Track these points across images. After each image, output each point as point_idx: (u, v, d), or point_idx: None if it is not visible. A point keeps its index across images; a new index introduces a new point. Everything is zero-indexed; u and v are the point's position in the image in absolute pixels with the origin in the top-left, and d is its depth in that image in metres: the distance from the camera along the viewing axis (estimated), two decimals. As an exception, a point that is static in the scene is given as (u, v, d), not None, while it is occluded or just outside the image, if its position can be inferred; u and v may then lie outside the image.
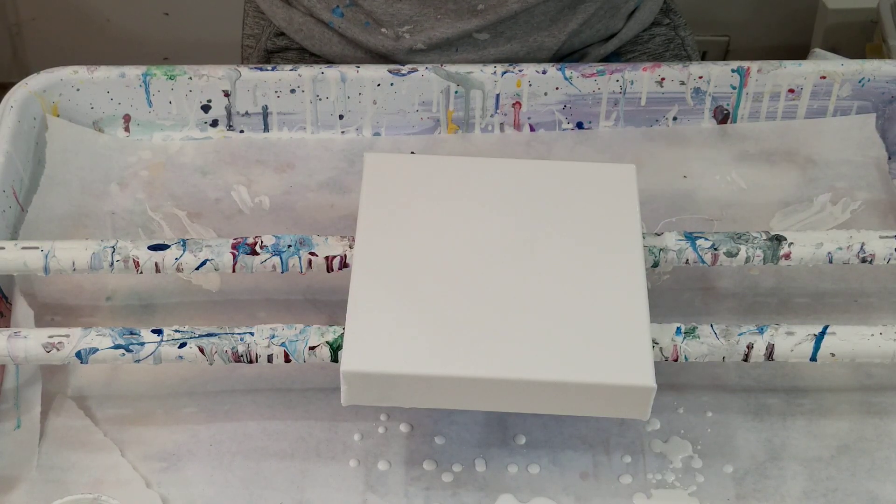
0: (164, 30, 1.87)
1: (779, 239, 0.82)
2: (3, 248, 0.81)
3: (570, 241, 0.78)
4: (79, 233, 0.90)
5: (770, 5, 1.85)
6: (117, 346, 0.76)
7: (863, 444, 0.80)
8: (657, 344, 0.77)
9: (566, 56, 1.08)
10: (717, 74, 0.96)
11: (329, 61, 1.08)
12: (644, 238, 0.81)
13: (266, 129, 0.97)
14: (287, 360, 0.77)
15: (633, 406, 0.73)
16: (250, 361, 0.77)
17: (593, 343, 0.73)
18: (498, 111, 0.97)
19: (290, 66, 0.95)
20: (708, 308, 0.87)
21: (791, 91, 0.97)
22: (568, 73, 0.95)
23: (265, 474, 0.78)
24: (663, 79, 0.96)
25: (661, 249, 0.81)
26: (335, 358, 0.77)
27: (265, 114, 0.96)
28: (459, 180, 0.82)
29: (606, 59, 1.11)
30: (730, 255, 0.82)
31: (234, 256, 0.81)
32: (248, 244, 0.81)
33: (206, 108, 0.96)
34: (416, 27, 1.01)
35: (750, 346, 0.77)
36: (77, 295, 0.87)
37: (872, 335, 0.78)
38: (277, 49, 1.11)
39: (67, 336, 0.77)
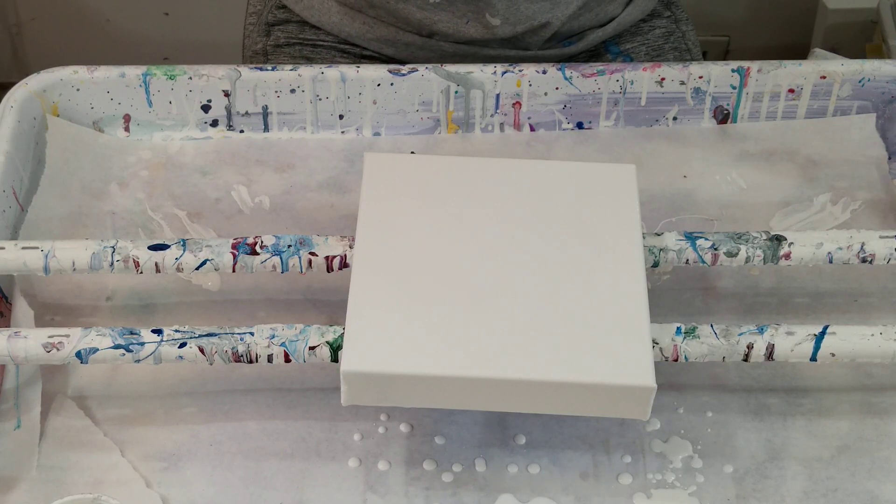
0: (164, 30, 1.87)
1: (779, 239, 0.82)
2: (3, 248, 0.81)
3: (571, 241, 0.78)
4: (79, 233, 0.90)
5: (770, 5, 1.85)
6: (117, 346, 0.76)
7: (863, 444, 0.80)
8: (657, 344, 0.77)
9: (566, 38, 1.08)
10: (717, 74, 0.96)
11: (328, 32, 1.09)
12: (644, 238, 0.81)
13: (266, 129, 0.97)
14: (287, 360, 0.77)
15: (633, 406, 0.73)
16: (250, 361, 0.77)
17: (593, 343, 0.73)
18: (498, 111, 0.97)
19: (290, 66, 0.95)
20: (708, 308, 0.87)
21: (791, 91, 0.97)
22: (568, 73, 0.95)
23: (265, 474, 0.78)
24: (663, 78, 0.96)
25: (661, 249, 0.82)
26: (335, 358, 0.77)
27: (265, 114, 0.96)
28: (459, 180, 0.82)
29: (605, 43, 1.11)
30: (730, 255, 0.82)
31: (234, 256, 0.81)
32: (248, 244, 0.81)
33: (206, 108, 0.96)
34: None
35: (750, 346, 0.77)
36: (77, 295, 0.87)
37: (872, 335, 0.78)
38: (278, 22, 1.12)
39: (67, 336, 0.77)
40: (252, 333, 0.77)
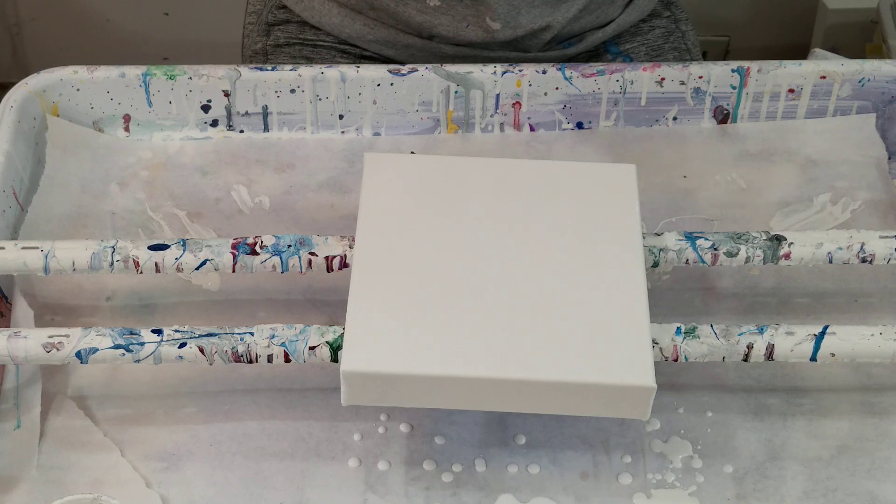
0: (164, 30, 1.87)
1: (779, 239, 0.82)
2: (3, 248, 0.81)
3: (571, 241, 0.78)
4: (79, 233, 0.90)
5: (770, 5, 1.86)
6: (117, 346, 0.76)
7: (863, 444, 0.80)
8: (657, 344, 0.77)
9: (565, 40, 1.08)
10: (717, 74, 0.96)
11: (328, 33, 1.09)
12: (644, 238, 0.81)
13: (266, 129, 0.97)
14: (287, 360, 0.77)
15: (633, 406, 0.73)
16: (250, 361, 0.77)
17: (593, 343, 0.73)
18: (498, 111, 0.97)
19: (290, 66, 0.95)
20: (708, 308, 0.87)
21: (791, 91, 0.97)
22: (568, 73, 0.95)
23: (265, 474, 0.78)
24: (663, 79, 0.96)
25: (661, 249, 0.82)
26: (335, 358, 0.77)
27: (265, 114, 0.96)
28: (459, 180, 0.82)
29: (605, 43, 1.11)
30: (730, 255, 0.82)
31: (234, 256, 0.81)
32: (248, 244, 0.81)
33: (206, 108, 0.96)
34: None
35: (750, 346, 0.77)
36: (77, 295, 0.87)
37: (872, 335, 0.78)
38: (278, 22, 1.12)
39: (67, 336, 0.77)
40: (252, 333, 0.77)
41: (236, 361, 0.77)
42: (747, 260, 0.82)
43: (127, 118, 0.96)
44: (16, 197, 0.89)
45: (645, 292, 0.76)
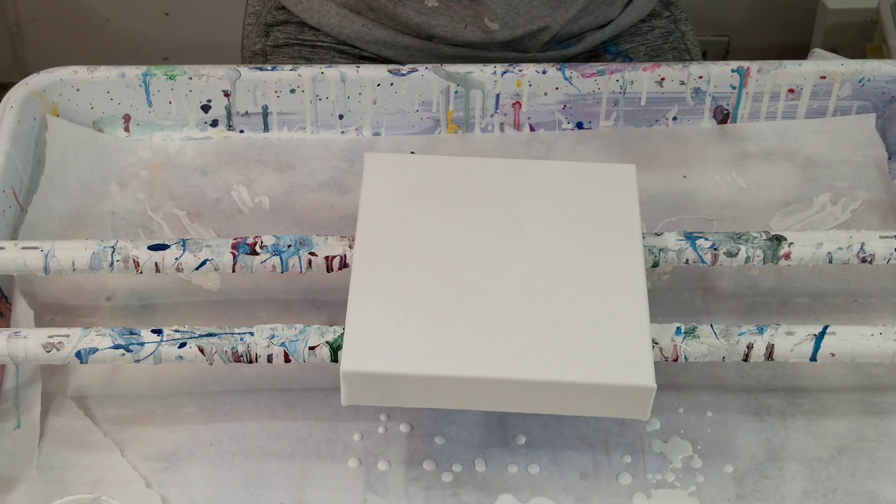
0: (164, 30, 1.87)
1: (779, 239, 0.82)
2: (3, 248, 0.81)
3: (571, 241, 0.78)
4: (79, 233, 0.90)
5: (770, 5, 1.86)
6: (117, 346, 0.76)
7: (863, 444, 0.80)
8: (657, 344, 0.77)
9: (564, 40, 1.08)
10: (717, 74, 0.96)
11: (327, 34, 1.09)
12: (644, 238, 0.81)
13: (266, 129, 0.97)
14: (287, 360, 0.77)
15: (633, 406, 0.73)
16: (250, 361, 0.77)
17: (593, 343, 0.73)
18: (498, 111, 0.97)
19: (289, 66, 0.95)
20: (708, 308, 0.87)
21: (791, 91, 0.97)
22: (568, 73, 0.95)
23: (265, 474, 0.78)
24: (663, 79, 0.96)
25: (661, 249, 0.82)
26: (335, 358, 0.77)
27: (265, 114, 0.96)
28: (459, 180, 0.82)
29: (604, 43, 1.11)
30: (730, 255, 0.82)
31: (234, 256, 0.81)
32: (248, 244, 0.81)
33: (206, 108, 0.96)
34: None
35: (750, 346, 0.77)
36: (77, 295, 0.87)
37: (872, 335, 0.78)
38: (277, 23, 1.12)
39: (67, 336, 0.77)
40: (252, 333, 0.77)
41: (236, 361, 0.77)
42: (747, 260, 0.82)
43: (127, 118, 0.96)
44: (16, 197, 0.89)
45: (645, 292, 0.76)
